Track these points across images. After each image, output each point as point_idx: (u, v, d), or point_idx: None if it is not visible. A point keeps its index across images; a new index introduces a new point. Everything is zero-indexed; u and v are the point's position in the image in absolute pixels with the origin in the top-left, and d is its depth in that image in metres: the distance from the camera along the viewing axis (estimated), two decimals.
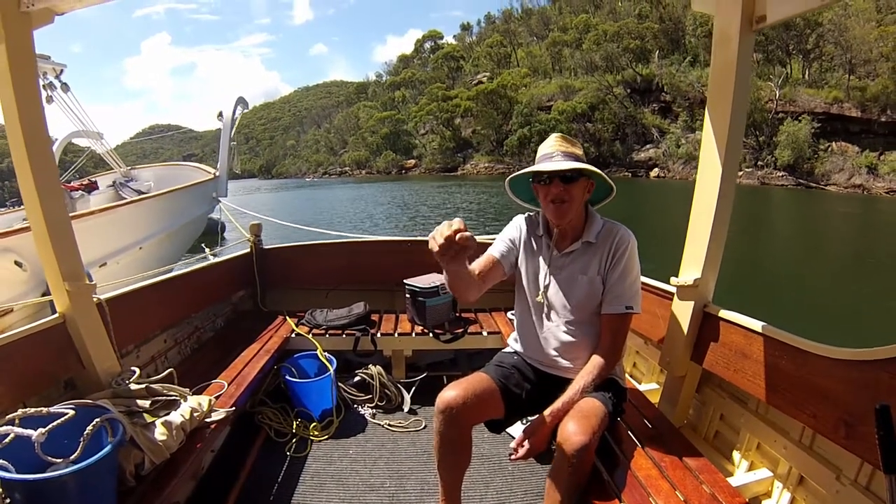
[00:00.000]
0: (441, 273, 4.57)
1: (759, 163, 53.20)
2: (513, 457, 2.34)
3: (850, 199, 41.83)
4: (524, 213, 2.89)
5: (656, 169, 66.16)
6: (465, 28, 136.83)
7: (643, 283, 3.39)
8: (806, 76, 58.88)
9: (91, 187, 10.85)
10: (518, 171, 2.69)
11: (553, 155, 2.52)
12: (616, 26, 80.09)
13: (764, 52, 61.33)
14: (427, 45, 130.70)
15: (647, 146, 70.11)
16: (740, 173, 54.71)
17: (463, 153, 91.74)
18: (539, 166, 2.52)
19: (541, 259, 2.74)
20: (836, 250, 21.00)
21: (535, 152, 2.64)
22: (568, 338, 2.64)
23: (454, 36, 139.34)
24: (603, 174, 2.57)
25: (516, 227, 2.87)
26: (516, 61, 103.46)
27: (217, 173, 11.07)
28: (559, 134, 2.64)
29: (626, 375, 3.33)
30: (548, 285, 2.69)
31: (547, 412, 2.38)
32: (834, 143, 51.53)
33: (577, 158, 2.50)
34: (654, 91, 73.17)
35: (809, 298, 13.07)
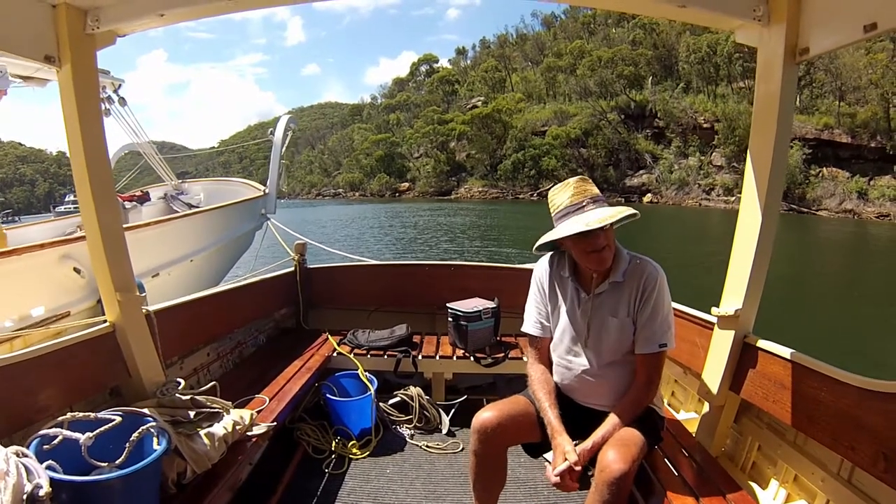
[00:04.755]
0: (483, 298, 4.62)
1: None
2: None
3: (843, 223, 42.17)
4: (547, 255, 2.84)
5: (649, 194, 66.65)
6: (461, 52, 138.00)
7: (683, 313, 3.44)
8: (797, 102, 59.39)
9: (143, 198, 11.03)
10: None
11: (583, 204, 2.43)
12: (610, 52, 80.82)
13: (755, 79, 61.83)
14: (422, 69, 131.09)
15: (640, 172, 70.68)
16: (732, 199, 55.03)
17: (457, 177, 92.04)
18: (579, 224, 2.37)
19: (570, 302, 2.68)
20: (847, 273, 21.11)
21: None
22: (602, 378, 2.60)
23: (449, 60, 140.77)
24: (636, 212, 2.49)
25: (537, 279, 2.83)
26: (511, 86, 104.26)
27: (267, 190, 11.12)
28: (576, 178, 2.58)
29: (665, 404, 3.31)
30: (578, 329, 2.64)
31: (585, 445, 2.35)
32: (825, 169, 52.05)
33: (604, 199, 2.47)
34: (648, 117, 73.96)
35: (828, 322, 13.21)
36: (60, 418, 2.16)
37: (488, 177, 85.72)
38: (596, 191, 2.50)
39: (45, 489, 1.78)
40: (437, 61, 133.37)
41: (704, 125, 65.81)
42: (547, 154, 76.74)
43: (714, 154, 63.11)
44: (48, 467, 1.92)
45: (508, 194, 79.60)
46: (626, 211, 2.42)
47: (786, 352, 2.65)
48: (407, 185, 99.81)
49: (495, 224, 40.07)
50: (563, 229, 2.43)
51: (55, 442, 2.05)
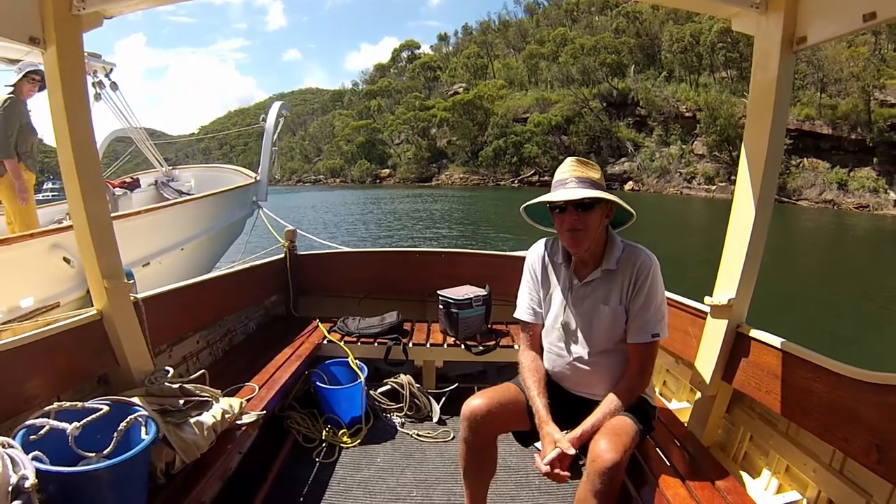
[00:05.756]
0: (474, 285, 4.63)
1: (733, 178, 53.64)
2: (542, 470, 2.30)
3: (823, 213, 42.81)
4: (541, 240, 2.84)
5: (630, 182, 66.80)
6: (443, 38, 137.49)
7: (676, 302, 3.46)
8: None
9: (133, 185, 10.83)
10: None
11: (567, 181, 2.44)
12: (593, 40, 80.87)
13: (738, 69, 62.32)
14: (404, 55, 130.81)
15: (622, 159, 70.79)
16: (713, 187, 55.45)
17: (438, 163, 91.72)
18: (551, 195, 2.44)
19: (561, 288, 2.68)
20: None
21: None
22: (593, 366, 2.59)
23: (431, 46, 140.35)
24: (620, 201, 2.51)
25: (529, 265, 2.83)
26: (493, 73, 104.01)
27: (258, 177, 11.04)
28: (575, 158, 2.58)
29: (657, 394, 3.32)
30: (570, 316, 2.63)
31: (575, 434, 2.34)
32: (805, 160, 52.51)
33: (593, 183, 2.44)
34: (630, 105, 74.03)
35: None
36: (47, 408, 2.15)
37: (469, 163, 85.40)
38: (589, 173, 2.48)
39: (31, 480, 1.76)
40: (418, 47, 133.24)
41: (686, 114, 66.00)
42: (528, 141, 76.69)
43: (695, 143, 63.26)
44: (34, 458, 1.90)
45: (489, 181, 79.40)
46: (600, 194, 2.40)
47: (779, 342, 2.67)
48: (388, 171, 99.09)
49: (476, 210, 40.08)
50: (538, 198, 2.51)
51: (42, 432, 2.03)
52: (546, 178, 69.28)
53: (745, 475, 2.99)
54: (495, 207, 41.14)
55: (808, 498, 2.61)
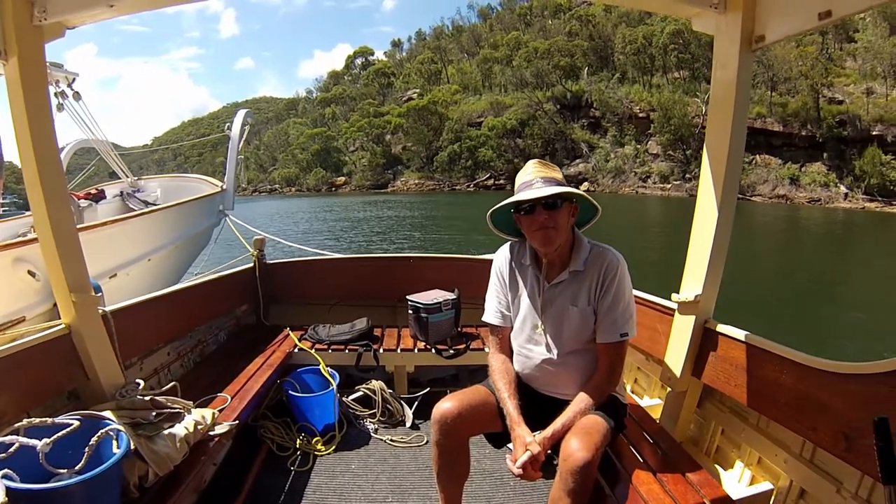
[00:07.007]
0: (443, 289, 4.65)
1: (688, 175, 54.93)
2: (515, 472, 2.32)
3: (777, 208, 43.86)
4: (507, 244, 2.84)
5: (586, 183, 67.58)
6: (396, 44, 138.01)
7: (644, 300, 3.51)
8: None
9: (98, 197, 10.68)
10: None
11: (532, 182, 2.47)
12: (546, 44, 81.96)
13: (690, 69, 63.40)
14: (358, 62, 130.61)
15: (577, 161, 71.79)
16: (668, 186, 56.32)
17: (393, 170, 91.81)
18: (520, 196, 2.46)
19: (530, 291, 2.70)
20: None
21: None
22: (563, 367, 2.60)
23: (385, 52, 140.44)
24: (587, 196, 2.56)
25: (496, 269, 2.83)
26: (447, 78, 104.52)
27: (224, 186, 11.07)
28: (537, 160, 2.62)
29: (628, 391, 3.36)
30: (539, 318, 2.65)
31: (546, 433, 2.35)
32: (758, 156, 53.94)
33: (557, 183, 2.47)
34: (584, 107, 75.24)
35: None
36: (17, 425, 2.14)
37: (424, 169, 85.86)
38: (552, 174, 2.54)
39: (2, 499, 1.77)
40: (372, 54, 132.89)
41: (640, 114, 67.37)
42: (483, 145, 77.37)
43: (650, 143, 64.65)
44: (4, 476, 1.90)
45: (445, 186, 79.82)
46: (568, 189, 2.45)
47: (746, 336, 2.75)
48: (343, 179, 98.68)
49: (433, 215, 40.14)
50: (505, 200, 2.54)
51: (11, 450, 2.02)
52: (501, 181, 69.82)
53: (718, 468, 3.07)
54: (453, 212, 41.15)
55: (780, 488, 2.69)
